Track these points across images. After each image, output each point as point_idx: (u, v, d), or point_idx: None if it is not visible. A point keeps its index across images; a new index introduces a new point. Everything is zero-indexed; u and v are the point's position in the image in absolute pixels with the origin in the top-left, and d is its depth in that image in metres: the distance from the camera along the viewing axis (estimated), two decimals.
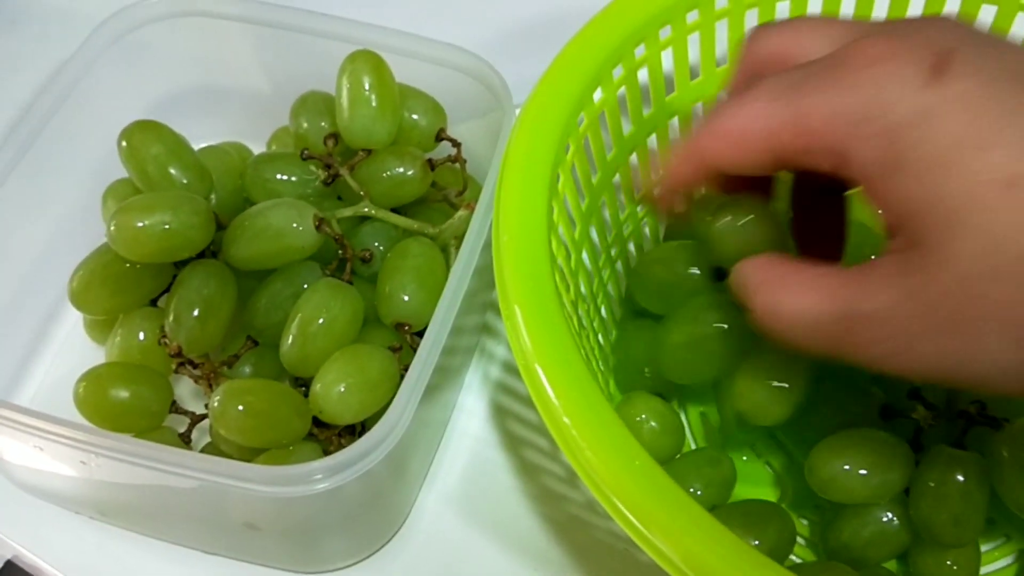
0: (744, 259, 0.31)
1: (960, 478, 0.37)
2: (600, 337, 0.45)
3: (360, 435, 0.37)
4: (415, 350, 0.38)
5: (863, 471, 0.38)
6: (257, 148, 0.52)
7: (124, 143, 0.44)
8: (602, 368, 0.44)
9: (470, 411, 0.48)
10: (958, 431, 0.39)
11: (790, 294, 0.29)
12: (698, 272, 0.42)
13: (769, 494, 0.44)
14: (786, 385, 0.38)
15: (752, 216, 0.36)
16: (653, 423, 0.41)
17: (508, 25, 0.59)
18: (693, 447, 0.45)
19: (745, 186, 0.36)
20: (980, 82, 0.26)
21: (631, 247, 0.48)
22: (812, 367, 0.39)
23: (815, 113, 0.28)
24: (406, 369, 0.37)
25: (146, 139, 0.44)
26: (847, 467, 0.38)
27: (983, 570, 0.41)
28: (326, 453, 0.40)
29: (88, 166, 0.48)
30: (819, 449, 0.39)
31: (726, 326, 0.39)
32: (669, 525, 0.28)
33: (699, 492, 0.40)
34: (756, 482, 0.45)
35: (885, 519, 0.39)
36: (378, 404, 0.39)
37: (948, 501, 0.37)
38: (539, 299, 0.33)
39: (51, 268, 0.47)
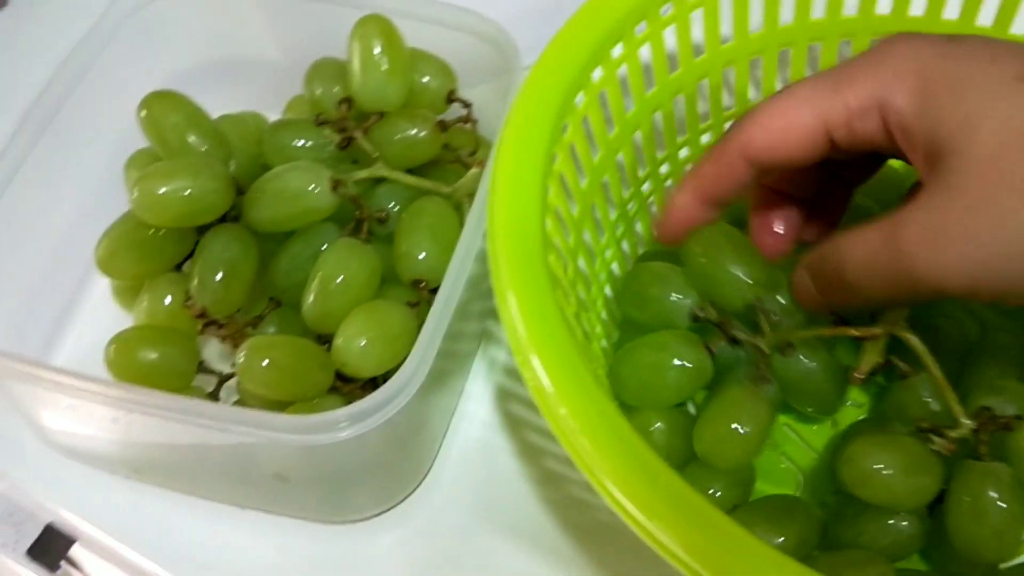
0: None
1: (993, 491, 0.36)
2: (604, 342, 0.45)
3: None
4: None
5: (900, 472, 0.37)
6: (273, 118, 0.53)
7: (143, 112, 0.45)
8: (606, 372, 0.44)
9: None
10: (976, 442, 0.38)
11: (847, 244, 0.33)
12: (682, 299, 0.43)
13: (788, 485, 0.44)
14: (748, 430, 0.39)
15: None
16: (667, 430, 0.42)
17: None
18: None
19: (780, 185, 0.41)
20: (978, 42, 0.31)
21: (638, 226, 0.49)
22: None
23: (859, 81, 0.33)
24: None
25: (165, 108, 0.45)
26: (884, 465, 0.37)
27: None
28: None
29: (110, 139, 0.49)
30: (858, 444, 0.38)
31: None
32: (663, 507, 0.29)
33: (719, 493, 0.41)
34: (774, 475, 0.45)
35: (905, 528, 0.39)
36: (398, 357, 0.40)
37: (987, 516, 0.36)
38: (534, 287, 0.34)
39: (79, 239, 0.48)
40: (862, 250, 0.32)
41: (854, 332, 0.39)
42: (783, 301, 0.42)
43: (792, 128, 0.34)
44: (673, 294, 0.43)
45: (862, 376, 0.40)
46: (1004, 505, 0.36)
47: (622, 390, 0.42)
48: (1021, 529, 0.37)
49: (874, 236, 0.31)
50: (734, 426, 0.39)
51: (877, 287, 0.32)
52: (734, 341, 0.41)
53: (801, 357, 0.42)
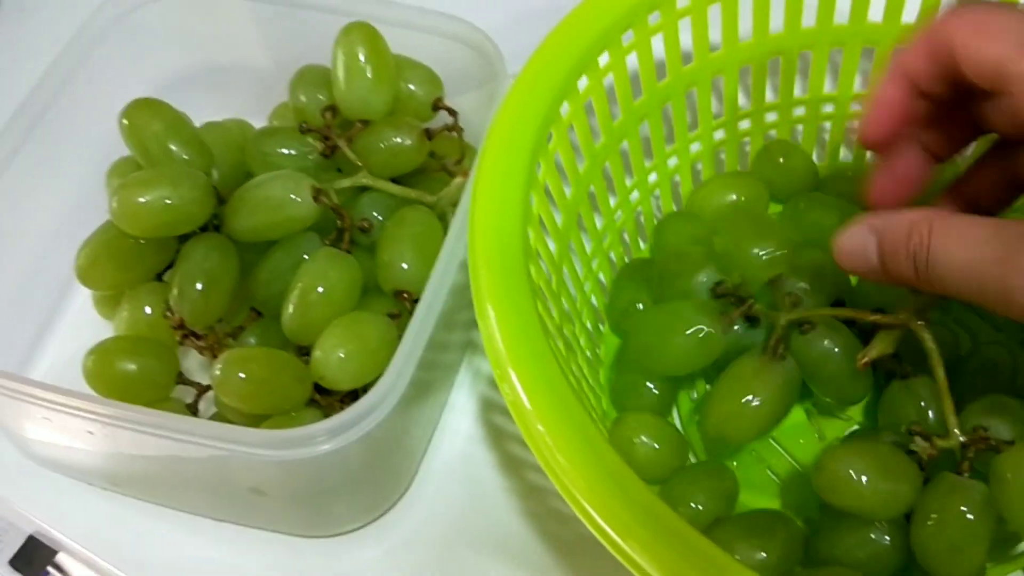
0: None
1: (962, 507, 0.35)
2: (589, 353, 0.45)
3: None
4: None
5: (872, 478, 0.36)
6: (259, 125, 0.52)
7: (125, 121, 0.44)
8: (590, 383, 0.43)
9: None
10: (961, 457, 0.37)
11: (949, 234, 0.30)
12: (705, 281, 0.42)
13: (772, 499, 0.44)
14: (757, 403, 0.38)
15: None
16: (650, 441, 0.41)
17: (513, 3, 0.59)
18: (694, 460, 0.45)
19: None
20: None
21: (625, 235, 0.48)
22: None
23: None
24: None
25: (146, 116, 0.45)
26: (856, 471, 0.36)
27: None
28: None
29: (93, 146, 0.49)
30: (831, 451, 0.37)
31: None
32: (637, 527, 0.28)
33: (700, 507, 0.40)
34: (759, 488, 0.44)
35: (883, 540, 0.38)
36: (378, 370, 0.40)
37: (947, 529, 0.35)
38: (515, 299, 0.33)
39: (60, 247, 0.47)
40: (966, 249, 0.29)
41: (874, 318, 0.38)
42: (805, 285, 0.42)
43: (991, 49, 0.31)
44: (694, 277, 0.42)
45: (865, 362, 0.38)
46: (969, 520, 0.35)
47: (627, 354, 0.41)
48: (980, 549, 0.36)
49: (986, 240, 0.29)
50: (746, 399, 0.38)
51: (962, 288, 0.30)
52: (751, 319, 0.41)
53: (820, 336, 0.40)
